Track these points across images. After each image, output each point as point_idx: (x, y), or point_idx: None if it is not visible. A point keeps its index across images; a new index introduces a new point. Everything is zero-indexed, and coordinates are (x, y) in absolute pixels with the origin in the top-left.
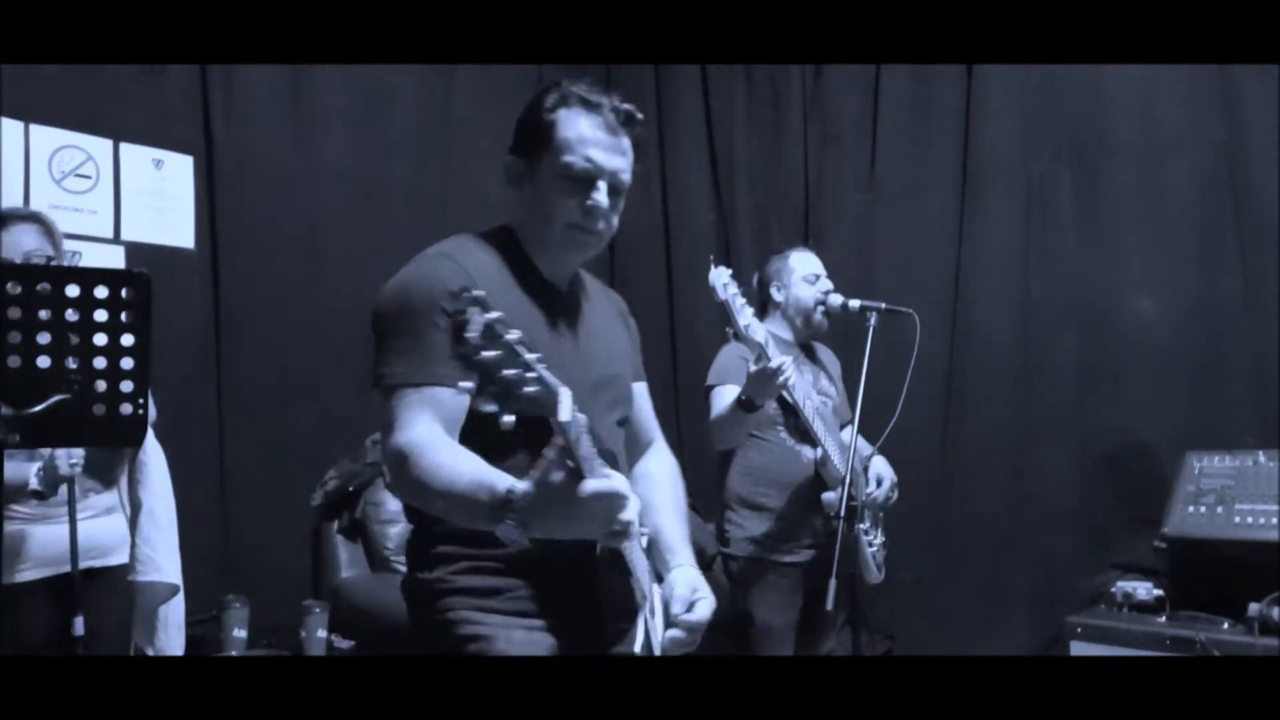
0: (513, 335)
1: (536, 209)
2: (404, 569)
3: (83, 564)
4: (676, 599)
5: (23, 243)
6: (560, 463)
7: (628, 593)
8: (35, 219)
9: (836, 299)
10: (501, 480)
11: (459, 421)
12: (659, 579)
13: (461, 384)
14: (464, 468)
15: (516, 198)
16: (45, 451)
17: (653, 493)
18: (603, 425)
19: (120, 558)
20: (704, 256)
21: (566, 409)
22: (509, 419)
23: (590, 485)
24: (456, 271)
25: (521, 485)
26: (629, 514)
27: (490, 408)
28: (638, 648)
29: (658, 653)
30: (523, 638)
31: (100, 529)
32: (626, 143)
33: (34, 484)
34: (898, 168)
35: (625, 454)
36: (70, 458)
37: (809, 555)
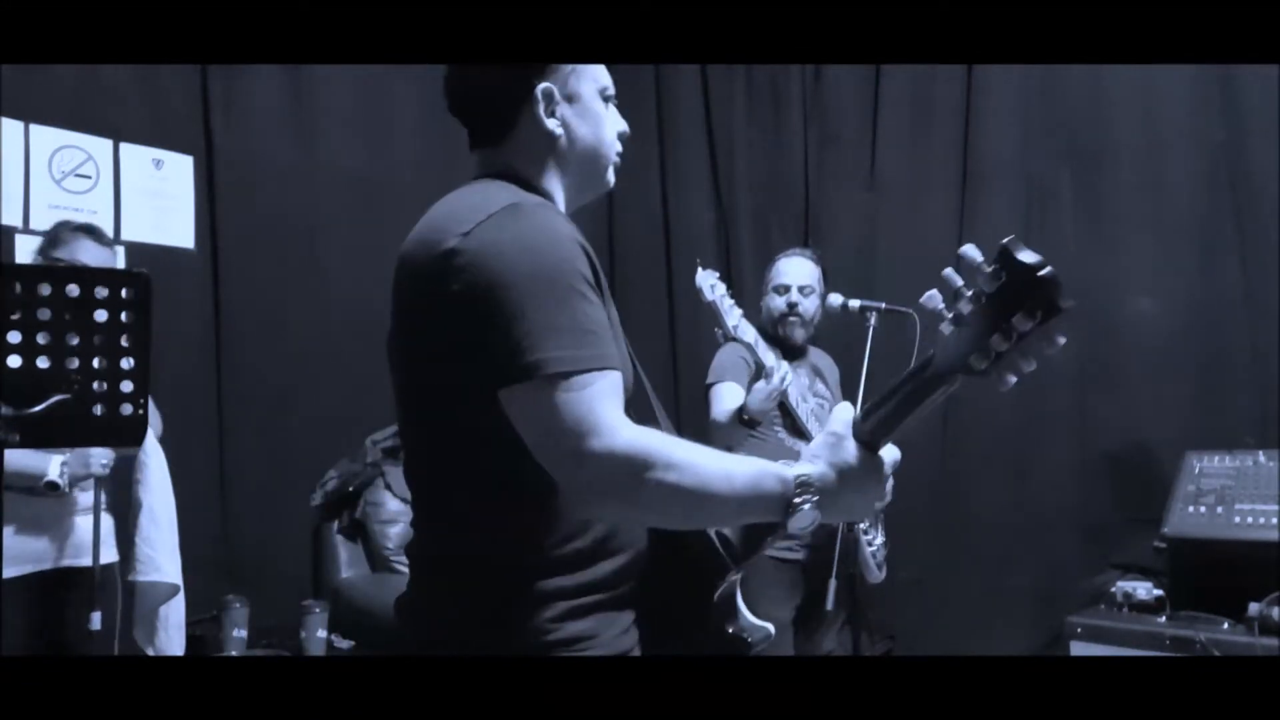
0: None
1: (588, 142)
2: (405, 570)
3: (65, 562)
4: None
5: (80, 255)
6: (847, 433)
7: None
8: (96, 235)
9: (836, 299)
10: (779, 466)
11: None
12: None
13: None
14: (730, 460)
15: (549, 137)
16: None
17: None
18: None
19: (104, 558)
20: (704, 256)
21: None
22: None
23: (891, 455)
24: (569, 226)
25: (813, 468)
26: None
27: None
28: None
29: None
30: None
31: (84, 528)
32: None
33: (52, 476)
34: (898, 168)
35: None
36: (103, 457)
37: (806, 553)
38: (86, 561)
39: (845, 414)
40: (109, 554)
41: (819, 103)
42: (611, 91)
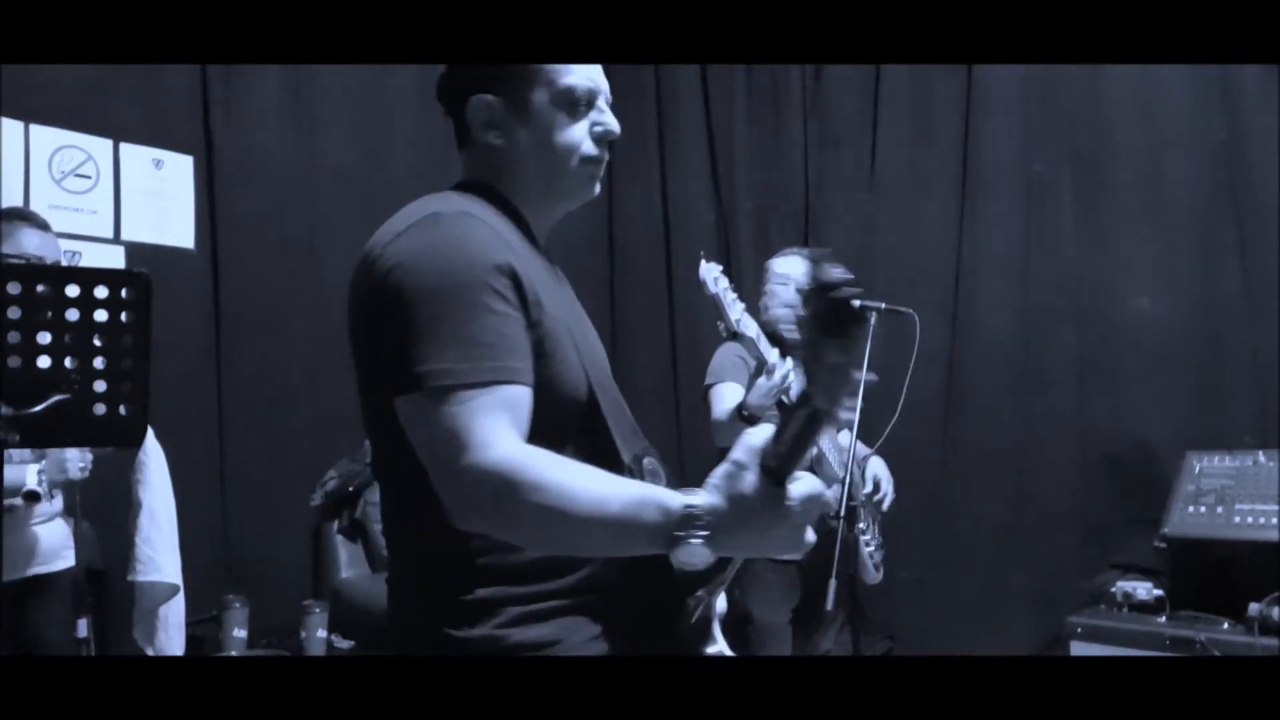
0: None
1: (539, 149)
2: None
3: (31, 570)
4: None
5: (25, 244)
6: (751, 464)
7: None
8: (33, 220)
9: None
10: (667, 494)
11: (527, 429)
12: None
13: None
14: (608, 485)
15: (495, 147)
16: (35, 453)
17: None
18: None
19: (64, 562)
20: (704, 256)
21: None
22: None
23: (800, 490)
24: (492, 236)
25: (704, 498)
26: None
27: (522, 388)
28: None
29: None
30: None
31: (46, 534)
32: None
33: (31, 485)
34: (898, 168)
35: None
36: (80, 461)
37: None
38: (57, 567)
39: (754, 439)
40: (64, 561)
41: (819, 103)
42: (580, 91)
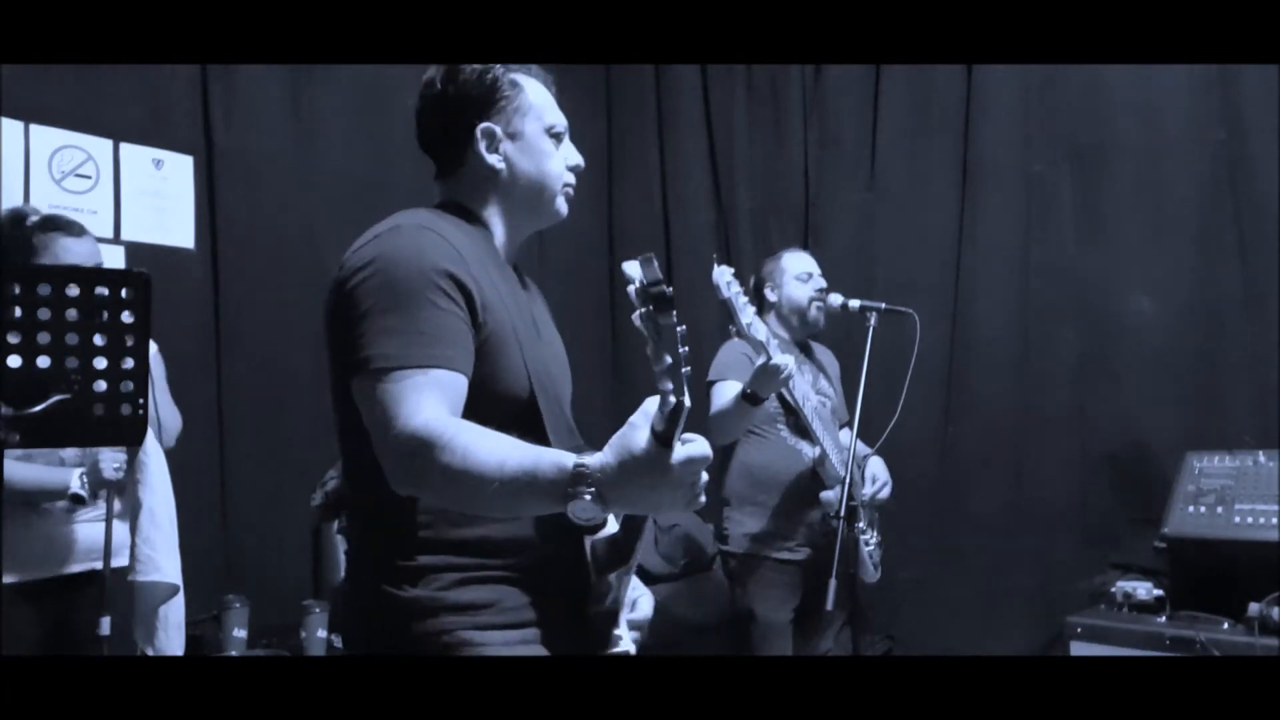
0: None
1: (529, 175)
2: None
3: (82, 566)
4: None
5: (62, 256)
6: (643, 426)
7: (618, 594)
8: (71, 229)
9: (836, 299)
10: (564, 454)
11: (460, 408)
12: None
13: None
14: (511, 447)
15: (491, 170)
16: (61, 453)
17: None
18: (568, 404)
19: (118, 560)
20: (704, 256)
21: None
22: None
23: (681, 452)
24: (446, 247)
25: (596, 457)
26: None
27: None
28: (624, 647)
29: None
30: (527, 653)
31: (86, 533)
32: None
33: (75, 488)
34: (898, 168)
35: None
36: (114, 462)
37: (807, 553)
38: (96, 566)
39: (650, 405)
40: (122, 558)
41: (819, 103)
42: (560, 129)
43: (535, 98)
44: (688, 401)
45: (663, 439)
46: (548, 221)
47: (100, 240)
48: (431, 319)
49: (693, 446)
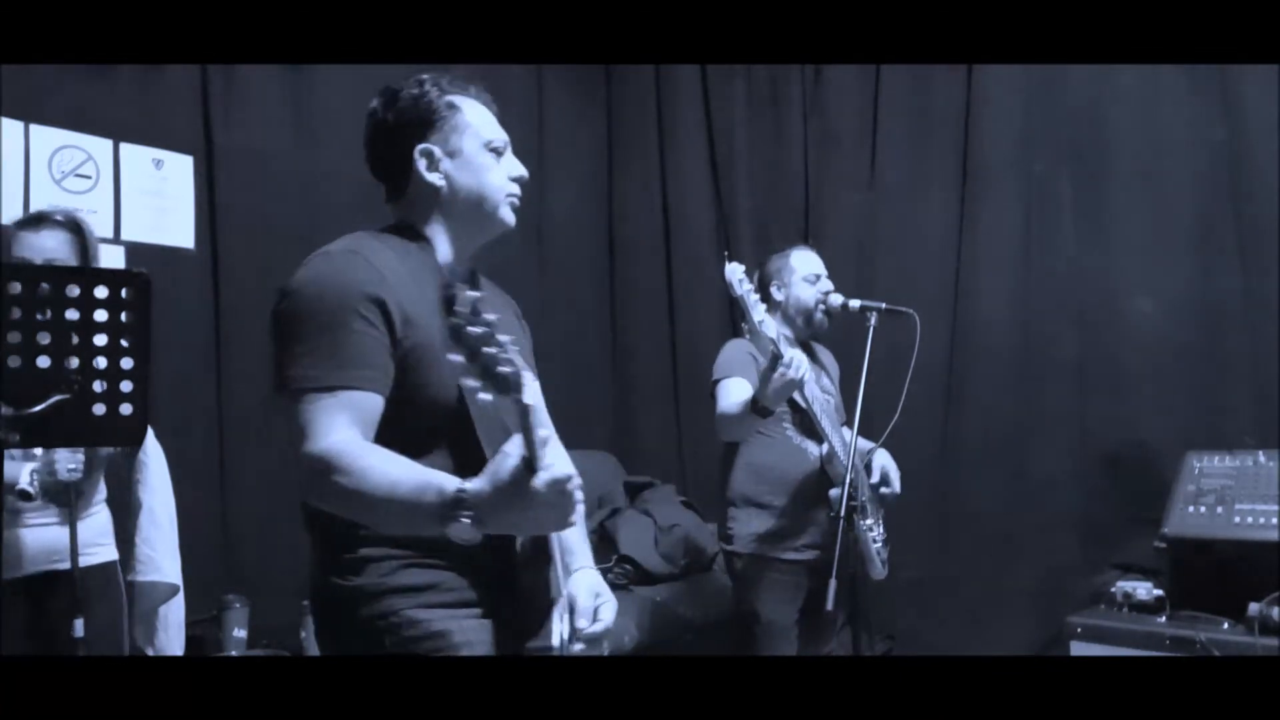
0: (492, 315)
1: (470, 190)
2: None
3: (37, 568)
4: (581, 611)
5: (47, 246)
6: (512, 455)
7: (546, 585)
8: (67, 225)
9: (836, 299)
10: (448, 479)
11: (374, 426)
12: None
13: (451, 356)
14: (403, 472)
15: (432, 188)
16: (36, 452)
17: None
18: None
19: (104, 555)
20: (704, 256)
21: (532, 391)
22: (485, 397)
23: (543, 477)
24: (368, 270)
25: (474, 482)
26: (579, 496)
27: (474, 383)
28: (555, 640)
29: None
30: (474, 626)
31: (51, 536)
32: None
33: (24, 484)
34: (898, 168)
35: None
36: (69, 463)
37: (813, 553)
38: (56, 567)
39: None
40: (106, 554)
41: (819, 103)
42: (499, 144)
43: (472, 116)
44: (525, 399)
45: (527, 463)
46: (494, 231)
47: (100, 240)
48: (346, 342)
49: (555, 468)
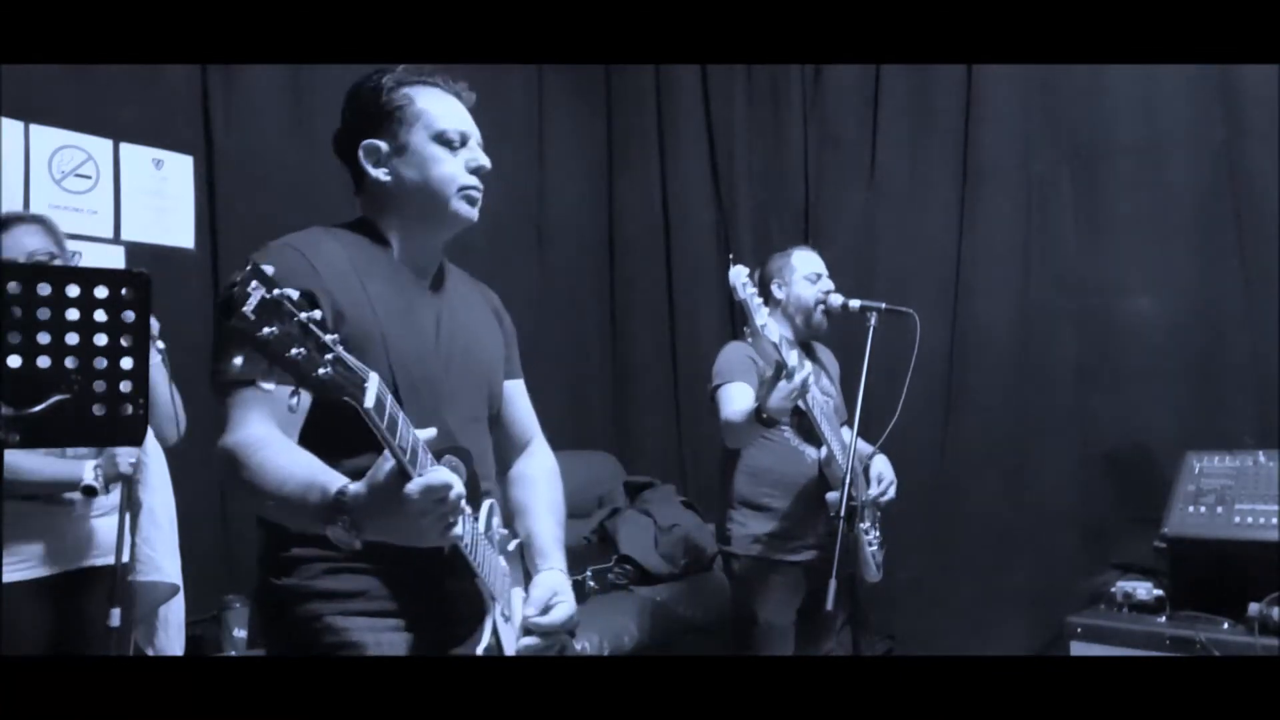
0: (306, 314)
1: (416, 184)
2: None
3: (98, 560)
4: (532, 601)
5: (26, 243)
6: (390, 460)
7: (475, 594)
8: (37, 220)
9: (837, 299)
10: (334, 480)
11: (298, 421)
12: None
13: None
14: (295, 468)
15: (384, 184)
16: (65, 449)
17: (528, 496)
18: (460, 422)
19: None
20: (704, 256)
21: (371, 395)
22: (294, 401)
23: (417, 483)
24: (298, 262)
25: (354, 486)
26: (458, 509)
27: (269, 385)
28: (481, 649)
29: (510, 654)
30: (391, 641)
31: (102, 528)
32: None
33: (89, 479)
34: (898, 168)
35: (498, 454)
36: (129, 455)
37: (812, 555)
38: (109, 560)
39: None
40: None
41: (819, 103)
42: (452, 134)
43: (426, 105)
44: (365, 402)
45: (401, 469)
46: (452, 226)
47: (100, 240)
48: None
49: (431, 475)
